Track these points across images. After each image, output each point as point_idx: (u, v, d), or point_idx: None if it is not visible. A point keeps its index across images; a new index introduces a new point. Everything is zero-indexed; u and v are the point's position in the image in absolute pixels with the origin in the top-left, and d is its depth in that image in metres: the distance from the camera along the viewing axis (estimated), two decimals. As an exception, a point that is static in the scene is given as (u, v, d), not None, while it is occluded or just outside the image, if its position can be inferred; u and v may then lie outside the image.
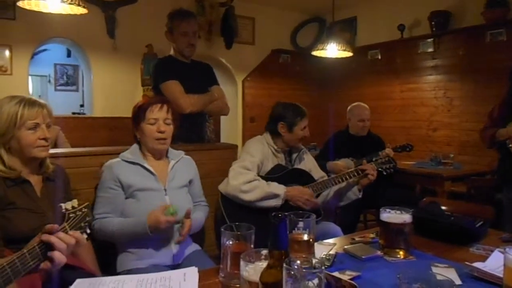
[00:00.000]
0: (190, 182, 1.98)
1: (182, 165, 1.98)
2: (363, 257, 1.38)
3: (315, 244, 1.46)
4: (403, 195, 3.55)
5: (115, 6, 4.72)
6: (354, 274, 1.21)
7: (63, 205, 1.22)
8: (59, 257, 1.11)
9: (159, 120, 1.85)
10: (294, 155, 2.43)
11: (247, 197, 2.11)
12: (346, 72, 5.80)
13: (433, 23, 4.62)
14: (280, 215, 0.84)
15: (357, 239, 1.60)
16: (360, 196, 2.33)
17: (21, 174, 1.50)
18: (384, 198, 3.08)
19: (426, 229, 1.61)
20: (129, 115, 1.94)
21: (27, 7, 2.85)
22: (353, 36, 5.72)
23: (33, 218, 1.45)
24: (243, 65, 5.73)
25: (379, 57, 5.41)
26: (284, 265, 0.75)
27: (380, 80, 5.42)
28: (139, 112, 1.87)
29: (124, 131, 2.82)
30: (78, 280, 1.18)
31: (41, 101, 1.55)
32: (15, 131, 1.47)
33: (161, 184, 1.85)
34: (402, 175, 3.78)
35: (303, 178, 2.34)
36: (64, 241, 1.13)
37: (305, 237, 1.28)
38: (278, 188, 2.16)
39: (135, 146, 1.94)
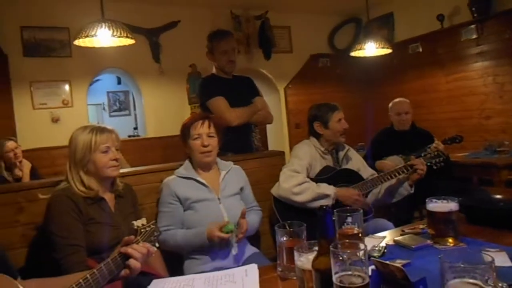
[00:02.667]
0: (241, 189, 2.13)
1: (232, 175, 2.13)
2: (413, 246, 1.43)
3: (366, 238, 1.53)
4: (460, 188, 3.47)
5: (158, 32, 5.03)
6: (404, 262, 1.27)
7: (135, 222, 1.41)
8: (135, 264, 1.27)
9: (202, 135, 2.02)
10: (341, 154, 2.49)
11: (299, 198, 2.21)
12: (387, 69, 5.75)
13: (473, 9, 4.50)
14: (325, 207, 0.94)
15: (407, 230, 1.65)
16: (412, 191, 2.34)
17: (97, 194, 1.70)
18: (439, 192, 3.03)
19: (476, 216, 1.62)
20: (179, 133, 2.12)
21: (82, 45, 3.16)
22: (391, 32, 5.68)
23: (110, 231, 1.65)
24: (283, 74, 5.85)
25: (420, 49, 5.32)
26: (331, 248, 0.85)
27: (423, 73, 5.32)
28: (185, 130, 2.06)
29: (176, 148, 3.01)
30: (154, 281, 1.34)
31: (109, 127, 1.78)
32: (91, 155, 1.69)
33: (215, 194, 2.01)
34: (457, 167, 3.70)
35: (352, 177, 2.39)
36: (138, 251, 1.30)
37: (354, 231, 1.36)
38: (328, 189, 2.24)
39: (187, 162, 2.12)
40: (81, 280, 1.11)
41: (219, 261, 1.88)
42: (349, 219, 1.37)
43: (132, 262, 1.27)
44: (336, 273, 0.86)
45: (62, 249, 1.54)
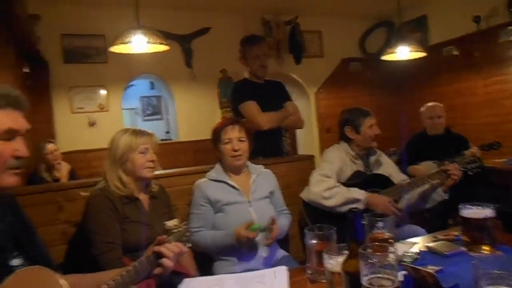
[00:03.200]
0: (271, 193, 2.15)
1: (262, 178, 2.16)
2: (446, 253, 1.40)
3: (398, 243, 1.51)
4: (498, 194, 3.35)
5: (190, 38, 5.14)
6: (436, 268, 1.24)
7: (167, 223, 1.45)
8: (168, 263, 1.30)
9: (233, 140, 2.06)
10: (372, 159, 2.46)
11: (329, 203, 2.20)
12: (420, 73, 5.62)
13: (512, 9, 4.35)
14: (355, 209, 0.94)
15: (440, 237, 1.62)
16: (446, 197, 2.29)
17: (133, 193, 1.77)
18: (476, 199, 2.94)
19: (513, 223, 1.57)
20: (210, 137, 2.16)
21: (117, 51, 3.27)
22: (425, 35, 5.56)
23: (144, 230, 1.71)
24: (314, 78, 5.84)
25: (456, 52, 5.17)
26: (360, 250, 0.85)
27: (458, 77, 5.17)
28: (215, 135, 2.10)
29: (207, 152, 3.07)
30: (185, 280, 1.38)
31: (149, 131, 1.87)
32: (130, 155, 1.77)
33: (245, 197, 2.04)
34: (495, 173, 3.57)
35: (383, 183, 2.36)
36: (171, 250, 1.34)
37: (385, 236, 1.34)
38: (359, 193, 2.21)
39: (218, 165, 2.16)
40: (117, 277, 1.16)
41: (248, 263, 1.90)
42: (380, 224, 1.36)
43: (165, 260, 1.31)
44: (365, 275, 0.86)
45: (99, 246, 1.62)
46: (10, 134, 1.02)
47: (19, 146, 1.05)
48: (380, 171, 2.43)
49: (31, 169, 3.76)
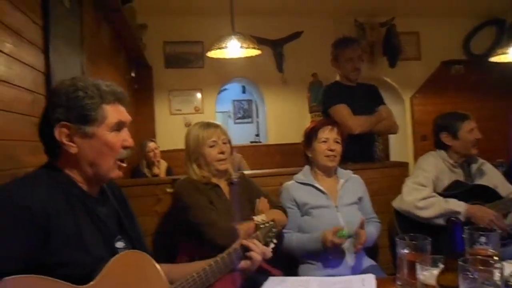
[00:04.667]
0: (360, 199, 2.08)
1: (351, 184, 2.10)
2: None
3: (503, 263, 1.36)
4: None
5: (282, 43, 5.21)
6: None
7: (255, 217, 1.48)
8: (256, 256, 1.32)
9: (329, 140, 2.04)
10: (473, 168, 2.26)
11: (423, 213, 2.07)
12: (537, 75, 5.01)
13: None
14: (454, 219, 0.87)
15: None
16: None
17: (211, 180, 1.87)
18: None
19: None
20: (299, 140, 2.17)
21: (214, 56, 3.44)
22: (544, 33, 4.95)
23: (227, 216, 1.78)
24: (409, 82, 5.54)
25: None
26: (460, 263, 0.78)
27: None
28: (312, 132, 2.09)
29: (295, 155, 3.08)
30: (270, 278, 1.39)
31: (216, 122, 1.94)
32: (200, 149, 1.86)
33: (332, 201, 2.00)
34: None
35: (487, 195, 2.14)
36: (257, 246, 1.36)
37: (488, 252, 1.22)
38: (458, 205, 2.04)
39: (306, 168, 2.15)
40: (206, 267, 1.21)
41: (334, 269, 1.86)
42: (483, 239, 1.23)
43: (253, 254, 1.33)
44: (465, 290, 0.79)
45: (199, 215, 1.72)
46: (119, 126, 1.13)
47: (126, 137, 1.15)
48: (483, 181, 2.21)
49: (134, 164, 4.11)
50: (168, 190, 1.95)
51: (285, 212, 1.92)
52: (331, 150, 2.03)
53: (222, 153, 1.86)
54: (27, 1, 1.63)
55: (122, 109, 1.15)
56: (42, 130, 1.11)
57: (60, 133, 1.07)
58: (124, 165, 1.18)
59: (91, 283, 0.99)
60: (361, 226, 1.82)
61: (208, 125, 1.90)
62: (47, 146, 1.12)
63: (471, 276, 0.77)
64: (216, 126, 1.91)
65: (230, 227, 1.65)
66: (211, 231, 1.66)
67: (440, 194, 2.13)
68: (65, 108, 1.07)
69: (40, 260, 0.95)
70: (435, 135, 2.32)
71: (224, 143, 1.90)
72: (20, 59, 1.52)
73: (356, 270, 1.88)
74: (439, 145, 2.30)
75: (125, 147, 1.15)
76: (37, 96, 1.66)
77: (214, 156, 1.85)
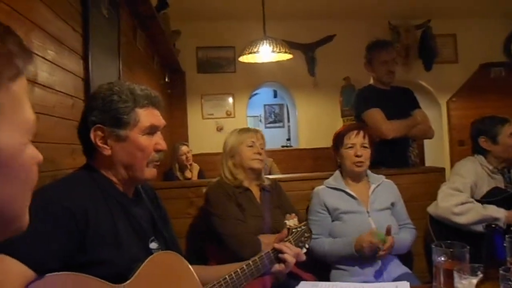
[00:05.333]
0: (393, 204, 2.03)
1: (383, 189, 2.06)
2: None
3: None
4: None
5: (314, 47, 5.19)
6: None
7: (287, 221, 1.48)
8: (289, 258, 1.32)
9: (356, 145, 2.01)
10: (515, 174, 2.17)
11: (460, 220, 1.99)
12: None
13: None
14: (494, 225, 0.83)
15: None
16: None
17: (242, 183, 1.92)
18: None
19: None
20: (330, 145, 2.14)
21: (245, 61, 3.48)
22: None
23: (255, 220, 1.83)
24: (446, 86, 5.38)
25: None
26: (502, 272, 0.75)
27: None
28: (338, 139, 2.07)
29: (327, 160, 3.06)
30: (302, 283, 1.38)
31: (255, 128, 2.06)
32: (238, 148, 1.94)
33: (364, 207, 1.97)
34: None
35: (529, 203, 2.05)
36: (290, 249, 1.36)
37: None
38: (497, 211, 1.96)
39: (337, 173, 2.13)
40: (238, 270, 1.22)
41: (366, 275, 1.82)
42: (525, 248, 1.18)
43: (286, 256, 1.33)
44: (506, 301, 0.76)
45: (223, 225, 1.78)
46: (152, 129, 1.16)
47: (159, 140, 1.18)
48: (525, 188, 2.12)
49: (166, 167, 4.19)
50: (204, 190, 2.00)
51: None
52: (358, 156, 2.00)
53: (258, 153, 1.94)
54: (68, 10, 1.71)
55: (156, 113, 1.18)
56: (80, 132, 1.15)
57: (95, 136, 1.10)
58: (158, 164, 1.20)
59: (127, 282, 1.02)
60: (387, 232, 1.78)
61: (248, 129, 2.02)
62: (85, 148, 1.17)
63: (513, 286, 0.74)
64: (256, 130, 2.02)
65: (254, 240, 1.69)
66: (236, 244, 1.72)
67: (477, 201, 2.05)
68: (100, 111, 1.11)
69: (78, 258, 0.99)
70: (473, 139, 2.25)
71: (262, 148, 1.98)
72: (61, 66, 1.58)
73: (389, 278, 1.83)
74: (478, 150, 2.22)
75: (157, 150, 1.17)
76: (76, 100, 1.73)
77: (250, 155, 1.93)
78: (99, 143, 1.11)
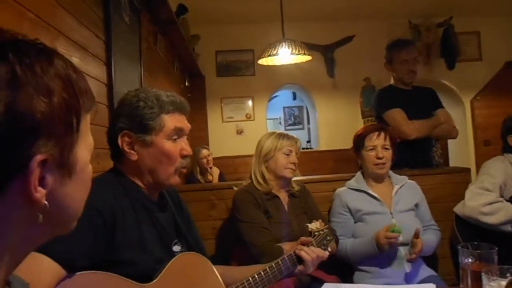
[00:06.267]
0: (416, 205, 2.00)
1: (406, 189, 2.03)
2: None
3: None
4: None
5: (333, 48, 5.17)
6: None
7: (309, 225, 1.47)
8: (307, 258, 1.32)
9: (377, 147, 1.98)
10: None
11: (489, 220, 1.94)
12: None
13: None
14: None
15: None
16: None
17: (272, 190, 1.89)
18: None
19: None
20: (351, 146, 2.12)
21: (264, 63, 3.49)
22: None
23: (282, 227, 1.81)
24: (469, 84, 5.27)
25: None
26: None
27: None
28: (359, 141, 2.05)
29: (348, 162, 3.04)
30: (326, 284, 1.38)
31: (294, 136, 1.99)
32: (275, 153, 1.89)
33: (387, 208, 1.95)
34: None
35: (560, 203, 1.99)
36: (311, 252, 1.35)
37: None
38: None
39: (359, 174, 2.10)
40: (261, 271, 1.22)
41: (390, 277, 1.79)
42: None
43: (304, 254, 1.34)
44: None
45: (249, 232, 1.76)
46: (177, 133, 1.17)
47: (184, 145, 1.20)
48: (556, 189, 2.05)
49: (188, 170, 4.24)
50: (235, 188, 1.98)
51: (337, 241, 1.91)
52: (379, 158, 1.97)
53: (293, 163, 1.91)
54: (91, 17, 1.75)
55: (181, 118, 1.20)
56: (109, 138, 1.18)
57: (122, 141, 1.13)
58: (184, 170, 1.22)
59: (153, 281, 1.03)
60: (416, 235, 1.75)
61: (288, 136, 1.96)
62: (113, 152, 1.19)
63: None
64: (295, 139, 1.97)
65: (276, 249, 1.67)
66: (258, 252, 1.70)
67: (507, 201, 1.99)
68: (127, 117, 1.14)
69: (105, 257, 1.01)
70: (502, 138, 2.19)
71: (297, 157, 1.95)
72: (85, 72, 1.62)
73: (414, 280, 1.80)
74: (507, 149, 2.16)
75: (183, 156, 1.19)
76: (100, 106, 1.77)
77: (285, 163, 1.89)
78: (126, 148, 1.13)
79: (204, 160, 4.23)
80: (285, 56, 3.23)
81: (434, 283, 1.67)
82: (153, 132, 1.13)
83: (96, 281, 0.96)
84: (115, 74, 1.95)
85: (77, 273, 0.93)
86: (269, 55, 3.16)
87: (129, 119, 1.13)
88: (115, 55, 1.97)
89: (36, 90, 0.44)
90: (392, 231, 1.72)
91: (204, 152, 4.26)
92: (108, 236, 1.03)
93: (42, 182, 0.46)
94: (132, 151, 1.14)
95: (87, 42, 1.67)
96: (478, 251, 1.13)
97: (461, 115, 5.28)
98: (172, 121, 1.16)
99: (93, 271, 0.95)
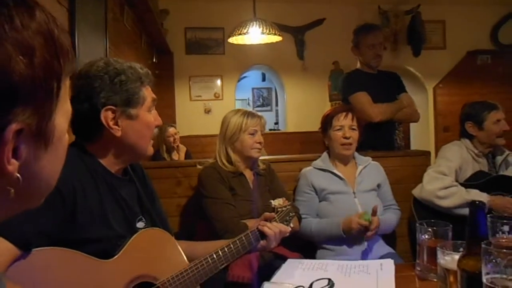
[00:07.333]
0: (379, 186, 2.07)
1: (369, 170, 2.09)
2: None
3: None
4: None
5: (304, 30, 5.16)
6: None
7: (272, 201, 1.49)
8: (270, 233, 1.32)
9: (344, 127, 2.02)
10: (498, 159, 2.21)
11: (443, 203, 2.04)
12: None
13: None
14: (478, 202, 0.85)
15: None
16: None
17: (238, 169, 1.89)
18: None
19: None
20: (318, 128, 2.15)
21: (235, 42, 3.44)
22: None
23: (246, 204, 1.83)
24: (433, 72, 5.42)
25: None
26: (483, 245, 0.77)
27: None
28: (327, 120, 2.08)
29: (315, 144, 3.08)
30: (289, 260, 1.40)
31: (258, 114, 1.96)
32: (240, 135, 1.88)
33: (350, 187, 1.99)
34: None
35: (510, 186, 2.10)
36: (273, 228, 1.37)
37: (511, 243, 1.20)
38: (480, 196, 2.01)
39: (325, 155, 2.14)
40: (225, 247, 1.23)
41: (351, 255, 1.86)
42: (505, 228, 1.21)
43: (267, 230, 1.33)
44: (487, 274, 0.78)
45: (214, 208, 1.76)
46: (153, 105, 1.18)
47: (156, 116, 1.20)
48: (508, 172, 2.17)
49: (154, 148, 4.17)
50: (199, 166, 1.96)
51: (299, 218, 1.93)
52: (346, 138, 2.00)
53: (259, 142, 1.90)
54: (54, -17, 1.66)
55: (151, 90, 1.19)
56: (83, 115, 1.08)
57: (106, 117, 1.08)
58: (153, 141, 1.22)
59: (113, 258, 1.02)
60: (373, 213, 1.81)
61: (253, 114, 1.93)
62: (86, 131, 1.13)
63: (494, 260, 0.76)
64: (260, 117, 1.95)
65: (240, 225, 1.68)
66: (221, 228, 1.71)
67: (461, 184, 2.09)
68: (109, 92, 1.08)
69: (66, 235, 0.98)
70: (461, 123, 2.28)
71: (262, 135, 1.94)
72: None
73: (374, 257, 1.87)
74: (464, 134, 2.26)
75: (156, 126, 1.20)
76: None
77: (252, 143, 1.88)
78: (110, 124, 1.09)
79: (171, 138, 4.17)
80: (255, 35, 3.20)
81: (392, 259, 1.75)
82: (137, 105, 1.12)
83: (51, 257, 0.94)
84: (79, 45, 1.87)
85: (34, 249, 0.91)
86: (240, 34, 3.11)
87: (113, 93, 1.08)
88: (79, 24, 1.88)
89: (15, 47, 0.38)
90: (366, 219, 1.77)
91: (171, 130, 4.19)
92: (67, 215, 1.00)
93: (15, 154, 0.41)
94: (116, 127, 1.09)
95: (49, 9, 1.58)
96: (434, 228, 1.19)
97: (424, 101, 5.45)
98: (149, 93, 1.16)
99: (50, 247, 0.93)
